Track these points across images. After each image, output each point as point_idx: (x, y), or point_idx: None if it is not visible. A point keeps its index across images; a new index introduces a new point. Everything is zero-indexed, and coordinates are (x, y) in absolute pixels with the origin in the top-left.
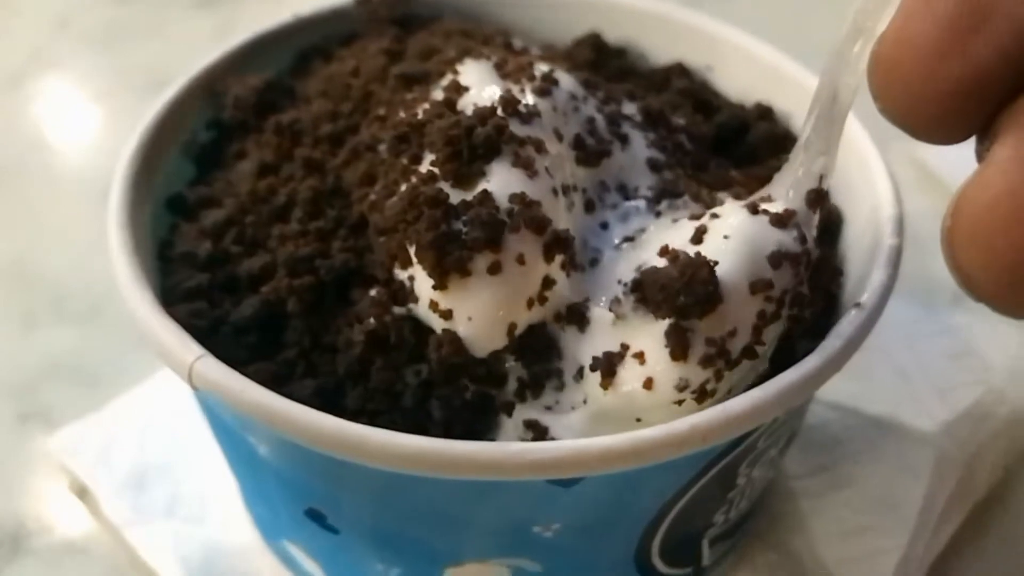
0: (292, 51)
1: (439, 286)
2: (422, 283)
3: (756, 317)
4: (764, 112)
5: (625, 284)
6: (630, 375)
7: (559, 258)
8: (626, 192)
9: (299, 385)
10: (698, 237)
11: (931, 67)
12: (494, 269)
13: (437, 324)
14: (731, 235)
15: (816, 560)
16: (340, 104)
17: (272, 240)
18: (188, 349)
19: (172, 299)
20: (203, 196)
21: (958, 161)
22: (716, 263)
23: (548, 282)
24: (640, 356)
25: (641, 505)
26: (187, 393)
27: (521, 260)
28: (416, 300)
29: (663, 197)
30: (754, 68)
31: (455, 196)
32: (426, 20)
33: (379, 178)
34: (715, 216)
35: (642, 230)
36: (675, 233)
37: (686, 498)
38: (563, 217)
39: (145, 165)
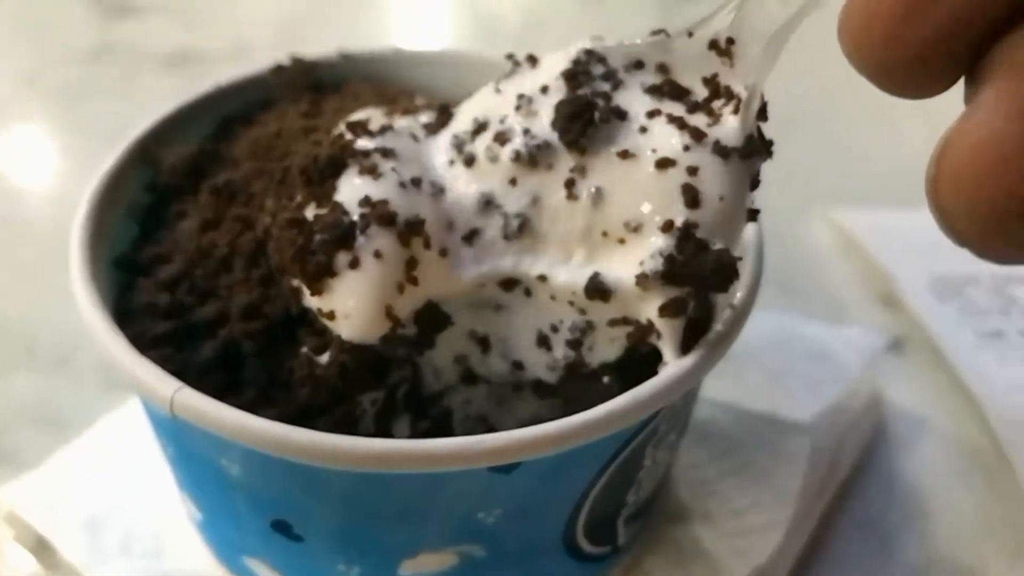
0: (215, 117)
1: (314, 291)
2: (309, 298)
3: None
4: None
5: (656, 260)
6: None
7: (417, 240)
8: None
9: (263, 414)
10: (693, 201)
11: (905, 14)
12: (354, 264)
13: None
14: (724, 196)
15: (714, 533)
16: (266, 163)
17: (221, 289)
18: (167, 384)
19: (140, 346)
20: (155, 254)
21: (876, 225)
22: (740, 259)
23: (412, 263)
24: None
25: (568, 487)
26: (130, 436)
27: (377, 253)
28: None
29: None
30: None
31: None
32: (337, 84)
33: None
34: (694, 172)
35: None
36: (655, 184)
37: (603, 479)
38: (419, 202)
39: (96, 228)
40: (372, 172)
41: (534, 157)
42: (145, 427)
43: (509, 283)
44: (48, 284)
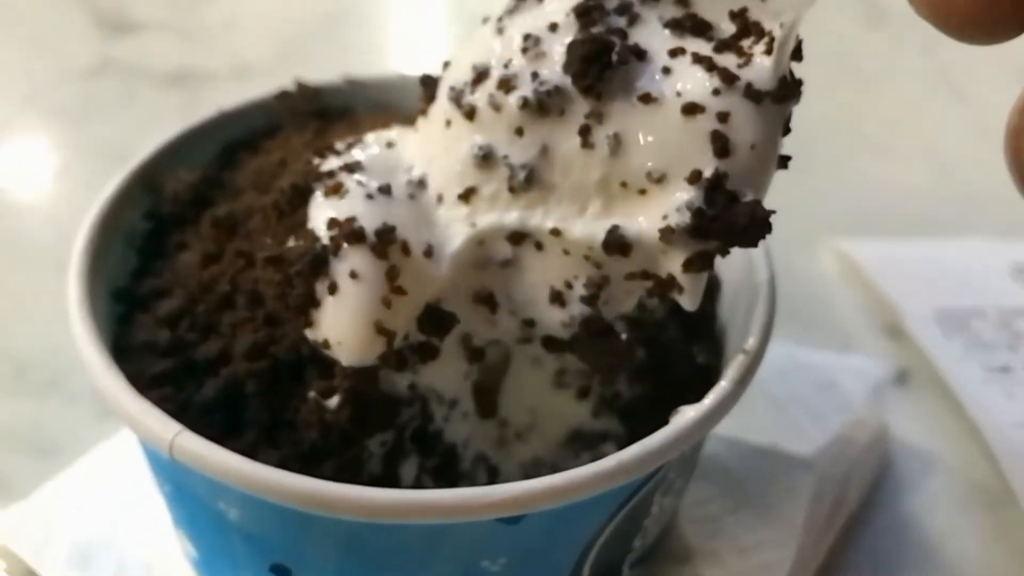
0: (219, 143)
1: (305, 324)
2: (308, 332)
3: None
4: None
5: (682, 213)
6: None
7: (394, 249)
8: None
9: (264, 457)
10: (723, 150)
11: None
12: (332, 289)
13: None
14: (756, 145)
15: (720, 573)
16: (268, 191)
17: (224, 326)
18: (167, 427)
19: (139, 385)
20: (154, 288)
21: (881, 256)
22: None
23: (394, 272)
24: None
25: (574, 536)
26: (123, 466)
27: (353, 274)
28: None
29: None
30: None
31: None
32: (343, 110)
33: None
34: (724, 119)
35: None
36: (682, 132)
37: (611, 527)
38: (390, 209)
39: (94, 258)
40: (337, 191)
41: (544, 104)
42: (138, 457)
43: (517, 237)
44: (39, 305)
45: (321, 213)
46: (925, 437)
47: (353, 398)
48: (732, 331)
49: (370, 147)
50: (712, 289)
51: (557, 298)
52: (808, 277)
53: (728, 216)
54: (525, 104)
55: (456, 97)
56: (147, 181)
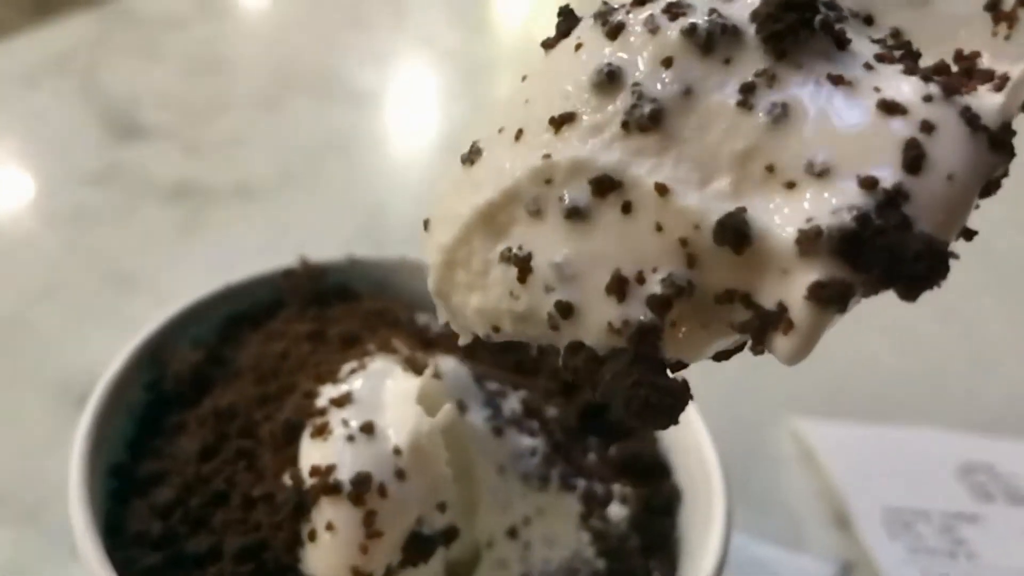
0: (223, 316)
1: (294, 559)
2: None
3: None
4: None
5: (839, 216)
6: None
7: (371, 495)
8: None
9: None
10: (914, 164)
11: None
12: (312, 536)
13: None
14: (955, 176)
15: None
16: (269, 385)
17: (216, 521)
18: None
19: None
20: (151, 472)
21: (836, 444)
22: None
23: (371, 518)
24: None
25: None
26: None
27: (329, 525)
28: None
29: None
30: None
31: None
32: (343, 290)
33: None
34: (929, 128)
35: None
36: (871, 127)
37: None
38: (370, 452)
39: (97, 439)
40: (322, 432)
41: (712, 39)
42: None
43: (605, 185)
44: (20, 433)
45: (308, 454)
46: None
47: None
48: (688, 549)
49: (372, 378)
50: (672, 502)
51: (618, 287)
52: (765, 457)
53: (898, 237)
54: (691, 33)
55: (603, 14)
56: (153, 352)
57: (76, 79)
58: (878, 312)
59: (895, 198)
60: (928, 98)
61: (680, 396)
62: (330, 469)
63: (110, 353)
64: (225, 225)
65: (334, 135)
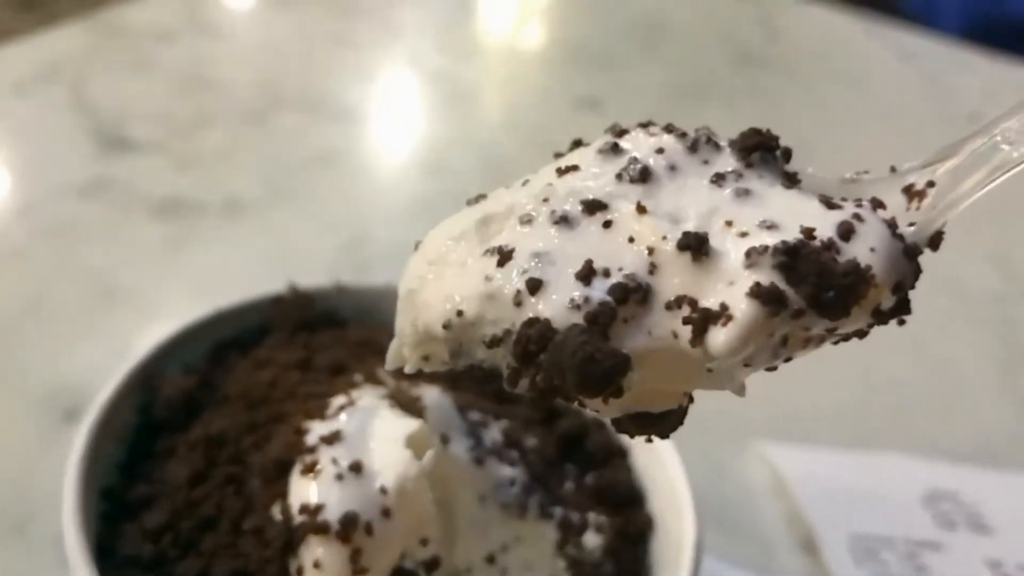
0: (212, 340)
1: None
2: None
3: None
4: (600, 422)
5: (771, 248)
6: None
7: (358, 534)
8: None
9: None
10: (846, 234)
11: None
12: (300, 573)
13: None
14: (876, 248)
15: None
16: (258, 413)
17: (205, 545)
18: None
19: None
20: (141, 495)
21: (805, 471)
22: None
23: (357, 555)
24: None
25: None
26: None
27: (316, 564)
28: None
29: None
30: None
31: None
32: (330, 318)
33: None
34: (859, 219)
35: None
36: (815, 210)
37: None
38: (357, 491)
39: (90, 461)
40: (311, 470)
41: (697, 144)
42: None
43: (593, 206)
44: (4, 444)
45: (297, 491)
46: None
47: None
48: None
49: (358, 414)
50: (645, 530)
51: (586, 274)
52: (736, 482)
53: (829, 259)
54: (682, 136)
55: (612, 129)
56: (143, 377)
57: (65, 91)
58: (853, 352)
59: (833, 244)
60: (859, 204)
61: (621, 361)
62: (319, 508)
63: (97, 367)
64: (213, 240)
65: (322, 151)
